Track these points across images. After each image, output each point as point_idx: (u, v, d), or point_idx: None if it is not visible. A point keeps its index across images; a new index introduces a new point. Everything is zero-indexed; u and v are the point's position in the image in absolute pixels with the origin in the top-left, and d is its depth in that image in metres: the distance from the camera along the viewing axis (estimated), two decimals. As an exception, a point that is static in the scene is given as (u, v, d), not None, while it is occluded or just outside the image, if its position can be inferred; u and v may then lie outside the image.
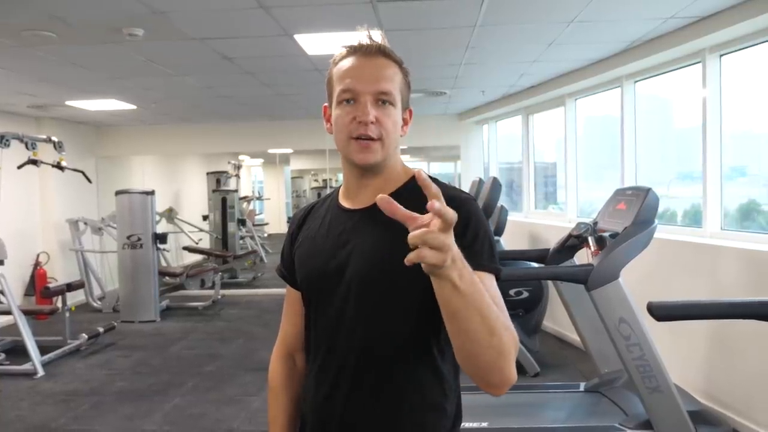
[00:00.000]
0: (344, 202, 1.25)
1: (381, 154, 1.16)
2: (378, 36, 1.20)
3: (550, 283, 4.66)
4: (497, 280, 1.12)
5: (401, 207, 0.89)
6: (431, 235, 0.86)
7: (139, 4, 3.15)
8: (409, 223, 0.89)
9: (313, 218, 1.31)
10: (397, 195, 1.18)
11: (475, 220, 1.14)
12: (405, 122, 1.22)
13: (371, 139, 1.14)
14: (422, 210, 1.12)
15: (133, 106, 6.66)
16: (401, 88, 1.19)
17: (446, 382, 1.18)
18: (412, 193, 1.18)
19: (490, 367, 1.00)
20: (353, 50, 1.19)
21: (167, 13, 3.35)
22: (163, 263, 8.32)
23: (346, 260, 1.17)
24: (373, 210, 1.17)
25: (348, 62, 1.18)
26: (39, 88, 5.53)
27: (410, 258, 0.87)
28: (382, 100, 1.15)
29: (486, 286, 1.05)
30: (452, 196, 1.15)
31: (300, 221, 1.33)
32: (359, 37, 1.20)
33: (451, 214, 0.87)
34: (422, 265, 0.87)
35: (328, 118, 1.24)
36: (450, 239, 0.88)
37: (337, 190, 1.30)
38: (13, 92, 5.68)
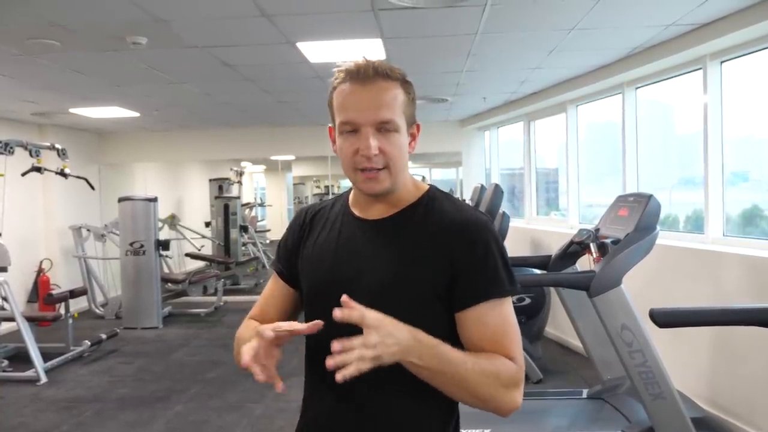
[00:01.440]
0: (356, 211, 1.24)
1: (389, 181, 1.16)
2: (377, 52, 1.19)
3: (552, 289, 4.66)
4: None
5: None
6: (362, 350, 0.99)
7: (141, 12, 3.17)
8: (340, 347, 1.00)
9: (321, 221, 1.29)
10: (410, 210, 1.20)
11: (494, 247, 1.15)
12: (413, 137, 1.21)
13: (377, 169, 1.14)
14: (433, 225, 1.16)
15: (136, 114, 6.69)
16: (404, 108, 1.17)
17: (443, 397, 1.18)
18: (423, 211, 1.20)
19: (483, 407, 1.11)
20: (349, 75, 1.16)
21: (170, 22, 3.37)
22: (166, 270, 8.34)
23: (358, 272, 1.17)
24: (386, 223, 1.20)
25: (345, 89, 1.16)
26: (42, 96, 5.56)
27: (346, 374, 0.98)
28: (385, 128, 1.14)
29: (504, 315, 1.14)
30: (470, 218, 1.17)
31: (308, 221, 1.31)
32: (355, 57, 1.17)
33: (370, 319, 0.99)
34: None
35: (334, 139, 1.22)
36: (382, 339, 1.00)
37: (347, 194, 1.29)
38: (17, 100, 5.71)
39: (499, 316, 1.13)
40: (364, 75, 1.14)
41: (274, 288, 1.34)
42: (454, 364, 1.05)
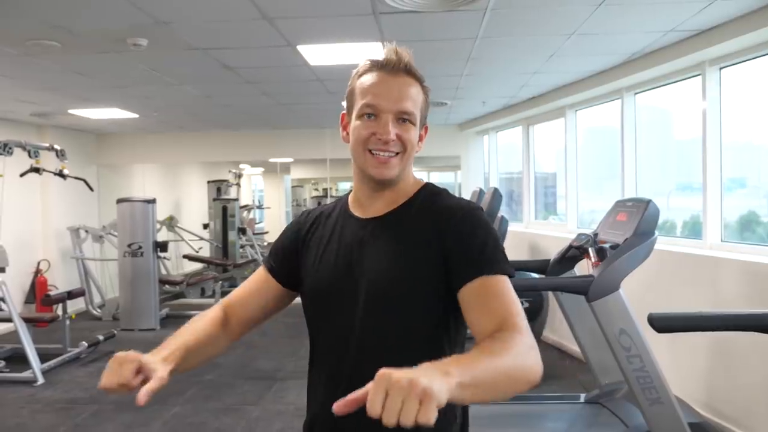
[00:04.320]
0: (355, 211, 1.26)
1: (398, 168, 1.19)
2: (404, 53, 1.19)
3: (550, 293, 4.66)
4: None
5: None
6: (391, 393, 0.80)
7: (143, 15, 3.17)
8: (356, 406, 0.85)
9: (322, 224, 1.31)
10: (408, 205, 1.23)
11: (484, 229, 1.17)
12: (420, 138, 1.25)
13: (391, 153, 1.17)
14: (431, 219, 1.17)
15: (135, 115, 6.69)
16: (422, 107, 1.22)
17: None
18: (422, 204, 1.23)
19: (521, 387, 0.99)
20: (379, 65, 1.20)
21: (171, 24, 3.38)
22: (164, 271, 8.33)
23: (361, 271, 1.19)
24: (386, 219, 1.22)
25: (373, 77, 1.19)
26: (42, 97, 5.55)
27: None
28: (403, 119, 1.17)
29: (501, 288, 1.11)
30: (458, 205, 1.20)
31: (309, 225, 1.33)
32: (387, 51, 1.20)
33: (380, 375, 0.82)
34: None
35: (345, 126, 1.25)
36: (411, 377, 0.80)
37: (346, 197, 1.31)
38: (17, 100, 5.70)
39: (496, 291, 1.10)
40: (394, 67, 1.19)
41: (260, 282, 1.34)
42: (482, 361, 0.95)
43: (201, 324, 1.28)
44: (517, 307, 1.09)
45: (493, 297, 1.09)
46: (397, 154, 1.18)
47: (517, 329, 1.04)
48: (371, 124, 1.17)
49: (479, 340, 1.07)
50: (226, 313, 1.32)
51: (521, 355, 1.00)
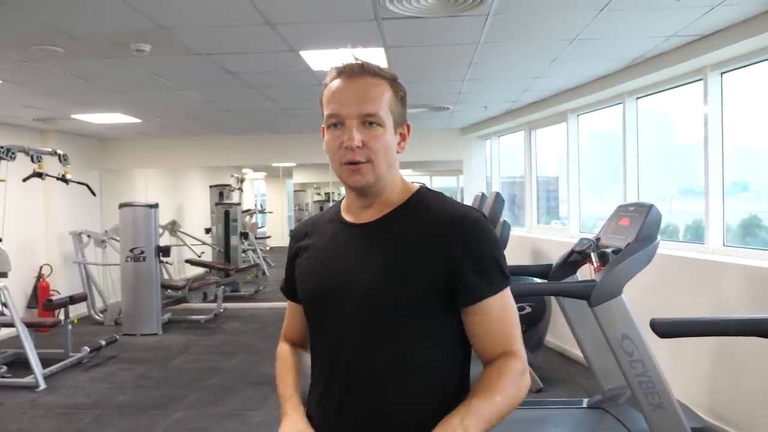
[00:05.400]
0: (348, 217, 1.26)
1: (372, 175, 1.17)
2: (366, 54, 1.20)
3: (552, 298, 4.65)
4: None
5: None
6: None
7: (145, 20, 3.19)
8: None
9: (314, 232, 1.31)
10: (400, 211, 1.22)
11: (486, 240, 1.17)
12: (402, 138, 1.23)
13: (359, 162, 1.15)
14: (423, 224, 1.17)
15: (138, 120, 6.70)
16: (391, 105, 1.18)
17: (454, 396, 1.19)
18: (416, 209, 1.21)
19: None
20: (338, 72, 1.19)
21: (173, 29, 3.39)
22: (166, 276, 8.33)
23: (351, 277, 1.18)
24: (377, 225, 1.21)
25: (335, 85, 1.19)
26: (45, 102, 5.57)
27: None
28: (369, 122, 1.15)
29: (503, 309, 1.17)
30: (464, 214, 1.19)
31: (300, 236, 1.34)
32: (346, 57, 1.20)
33: None
34: None
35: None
36: None
37: (339, 203, 1.31)
38: (20, 105, 5.73)
39: (500, 310, 1.16)
40: (350, 70, 1.18)
41: (291, 308, 1.40)
42: (490, 409, 1.09)
43: (290, 359, 1.37)
44: (516, 329, 1.18)
45: (496, 319, 1.16)
46: (367, 162, 1.15)
47: (514, 356, 1.15)
48: (338, 134, 1.16)
49: (481, 358, 1.19)
50: (292, 342, 1.40)
51: (521, 389, 1.13)
